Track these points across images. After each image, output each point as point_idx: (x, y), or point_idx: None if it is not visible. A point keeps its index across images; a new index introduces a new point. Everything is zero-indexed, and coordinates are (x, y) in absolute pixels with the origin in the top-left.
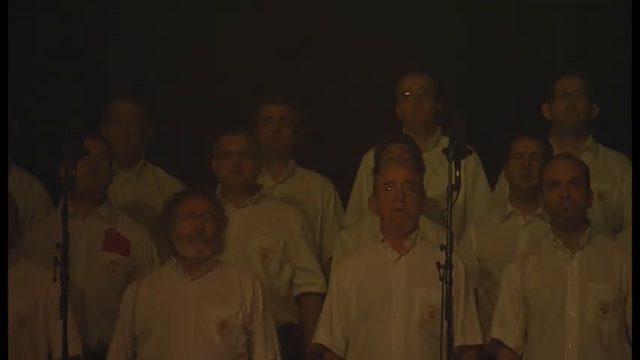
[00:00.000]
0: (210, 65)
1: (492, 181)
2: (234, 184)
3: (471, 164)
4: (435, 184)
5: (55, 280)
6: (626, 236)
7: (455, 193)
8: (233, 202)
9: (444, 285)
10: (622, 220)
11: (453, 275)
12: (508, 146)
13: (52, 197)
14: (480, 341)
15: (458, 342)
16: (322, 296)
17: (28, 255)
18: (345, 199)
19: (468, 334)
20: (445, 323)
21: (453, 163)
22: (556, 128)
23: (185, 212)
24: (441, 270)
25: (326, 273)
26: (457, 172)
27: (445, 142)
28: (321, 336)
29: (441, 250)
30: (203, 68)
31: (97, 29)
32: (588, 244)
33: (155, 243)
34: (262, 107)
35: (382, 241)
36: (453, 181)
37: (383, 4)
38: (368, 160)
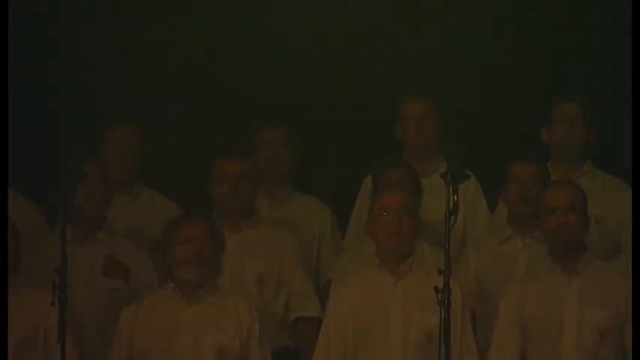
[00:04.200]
0: (209, 87)
1: (490, 204)
2: (230, 208)
3: (471, 188)
4: (435, 209)
5: (53, 304)
6: (626, 259)
7: (452, 218)
8: (229, 227)
9: (442, 309)
10: (620, 244)
11: (451, 299)
12: (506, 170)
13: (51, 221)
14: None
15: None
16: (318, 320)
17: (28, 279)
18: (345, 222)
19: (465, 358)
20: (443, 348)
21: (451, 187)
22: (554, 153)
23: (183, 236)
24: (439, 294)
25: (322, 297)
26: (455, 196)
27: (445, 166)
28: None
29: (439, 274)
30: (202, 90)
31: (94, 51)
32: (586, 270)
33: (154, 267)
34: (259, 132)
35: (378, 265)
36: (451, 206)
37: (384, 25)
38: (367, 184)
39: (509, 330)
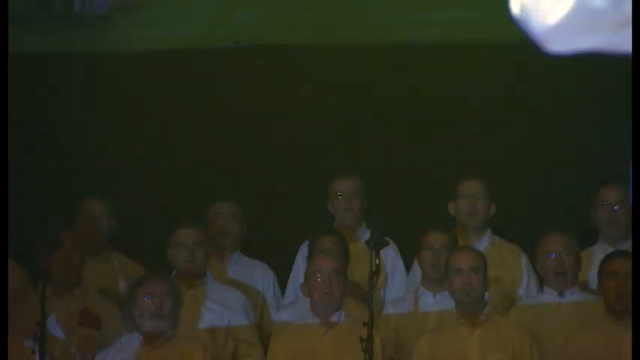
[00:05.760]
0: (168, 165)
1: (407, 265)
2: (187, 272)
3: (391, 253)
4: (360, 270)
5: (34, 352)
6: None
7: (375, 278)
8: (186, 285)
9: (366, 356)
10: (515, 299)
11: (373, 347)
12: (421, 238)
13: (34, 280)
14: None
15: None
16: None
17: (13, 330)
18: (285, 281)
19: None
20: None
21: (374, 252)
22: (460, 223)
23: (146, 293)
24: (363, 343)
25: (265, 345)
26: (377, 260)
27: (369, 234)
28: None
29: (364, 325)
30: (162, 167)
31: (71, 136)
32: (486, 322)
33: (122, 318)
34: (213, 204)
35: (312, 317)
36: (374, 268)
37: (318, 111)
38: (304, 249)
39: None
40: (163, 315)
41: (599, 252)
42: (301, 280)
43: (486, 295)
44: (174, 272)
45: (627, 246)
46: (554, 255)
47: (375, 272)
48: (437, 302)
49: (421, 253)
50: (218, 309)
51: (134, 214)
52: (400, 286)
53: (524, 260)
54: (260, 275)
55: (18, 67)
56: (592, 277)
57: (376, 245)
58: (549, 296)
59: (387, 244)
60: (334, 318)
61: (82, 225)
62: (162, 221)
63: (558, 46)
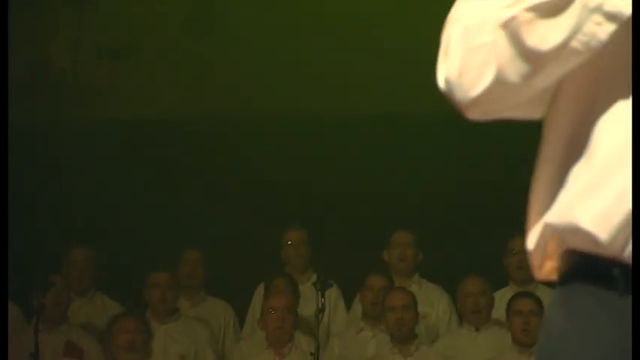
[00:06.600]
0: (145, 218)
1: (349, 303)
2: (160, 309)
3: (334, 293)
4: (308, 307)
5: None
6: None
7: (321, 315)
8: (158, 320)
9: None
10: (438, 333)
11: None
12: (362, 280)
13: (27, 317)
14: None
15: None
16: None
17: None
18: (244, 318)
19: None
20: None
21: (320, 293)
22: (393, 268)
23: (121, 328)
24: None
25: None
26: (322, 299)
27: (316, 277)
28: None
29: (311, 355)
30: (138, 220)
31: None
32: (416, 352)
33: (102, 350)
34: (182, 252)
35: (267, 348)
36: (320, 306)
37: (275, 168)
38: (260, 290)
39: None
40: (136, 348)
41: (509, 293)
42: (258, 316)
43: (416, 329)
44: (149, 310)
45: (532, 288)
46: (471, 296)
47: (321, 310)
48: (374, 335)
49: (363, 293)
50: (186, 341)
51: (115, 261)
52: (341, 321)
53: (446, 300)
54: (222, 312)
55: (17, 134)
56: (502, 314)
57: (322, 287)
58: (467, 330)
59: (331, 285)
60: (286, 348)
61: (71, 270)
62: (139, 266)
63: (478, 115)
